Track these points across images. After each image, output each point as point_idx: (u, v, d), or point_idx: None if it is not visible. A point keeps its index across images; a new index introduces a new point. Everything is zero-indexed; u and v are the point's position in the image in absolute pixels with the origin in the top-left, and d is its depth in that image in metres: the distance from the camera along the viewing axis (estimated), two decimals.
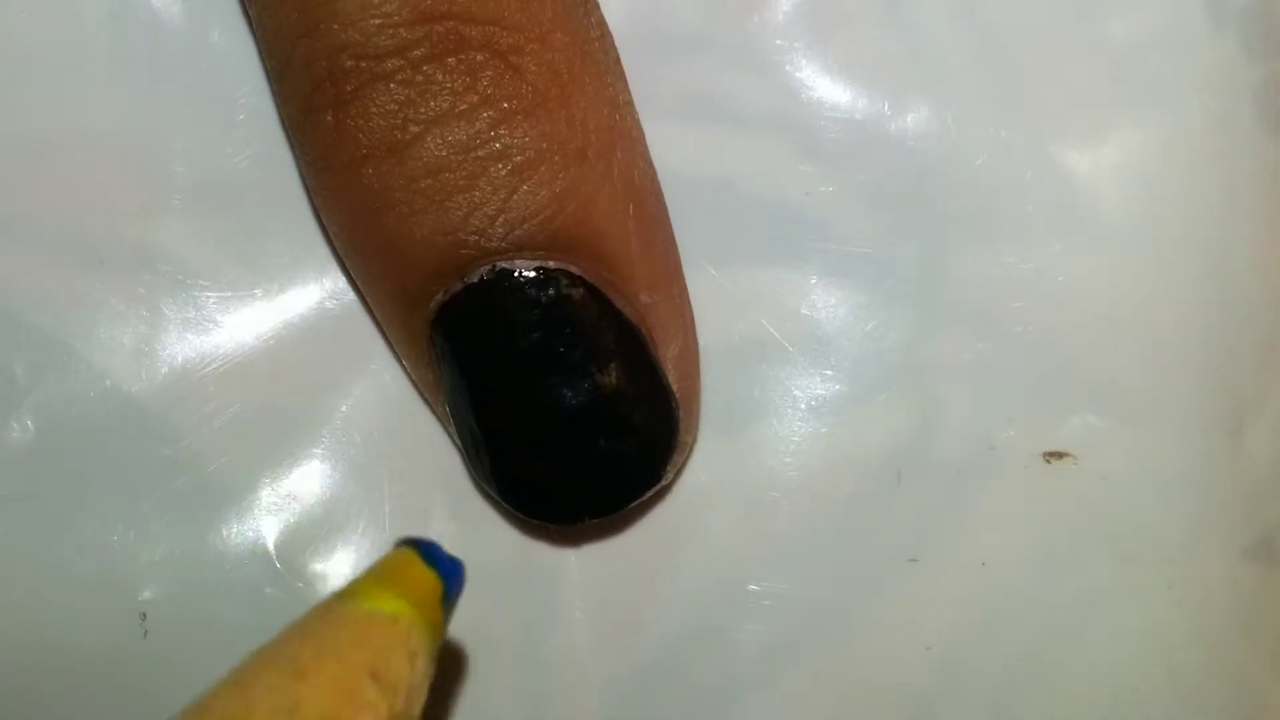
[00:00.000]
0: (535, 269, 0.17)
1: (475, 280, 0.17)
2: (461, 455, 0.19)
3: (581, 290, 0.17)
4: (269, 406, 0.20)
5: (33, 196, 0.20)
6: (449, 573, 0.14)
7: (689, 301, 0.20)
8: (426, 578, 0.14)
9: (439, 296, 0.17)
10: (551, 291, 0.17)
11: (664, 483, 0.19)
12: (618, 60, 0.19)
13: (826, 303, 0.21)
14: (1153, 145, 0.21)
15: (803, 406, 0.21)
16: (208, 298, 0.20)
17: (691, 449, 0.20)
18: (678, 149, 0.20)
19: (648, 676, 0.20)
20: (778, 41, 0.21)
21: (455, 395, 0.18)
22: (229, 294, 0.20)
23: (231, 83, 0.20)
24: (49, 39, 0.20)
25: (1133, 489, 0.20)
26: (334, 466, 0.20)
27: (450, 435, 0.20)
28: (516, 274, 0.17)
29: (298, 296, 0.20)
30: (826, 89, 0.21)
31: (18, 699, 0.20)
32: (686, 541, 0.20)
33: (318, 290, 0.20)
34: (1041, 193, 0.21)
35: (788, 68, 0.21)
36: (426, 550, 0.14)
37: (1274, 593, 0.21)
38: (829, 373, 0.21)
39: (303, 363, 0.20)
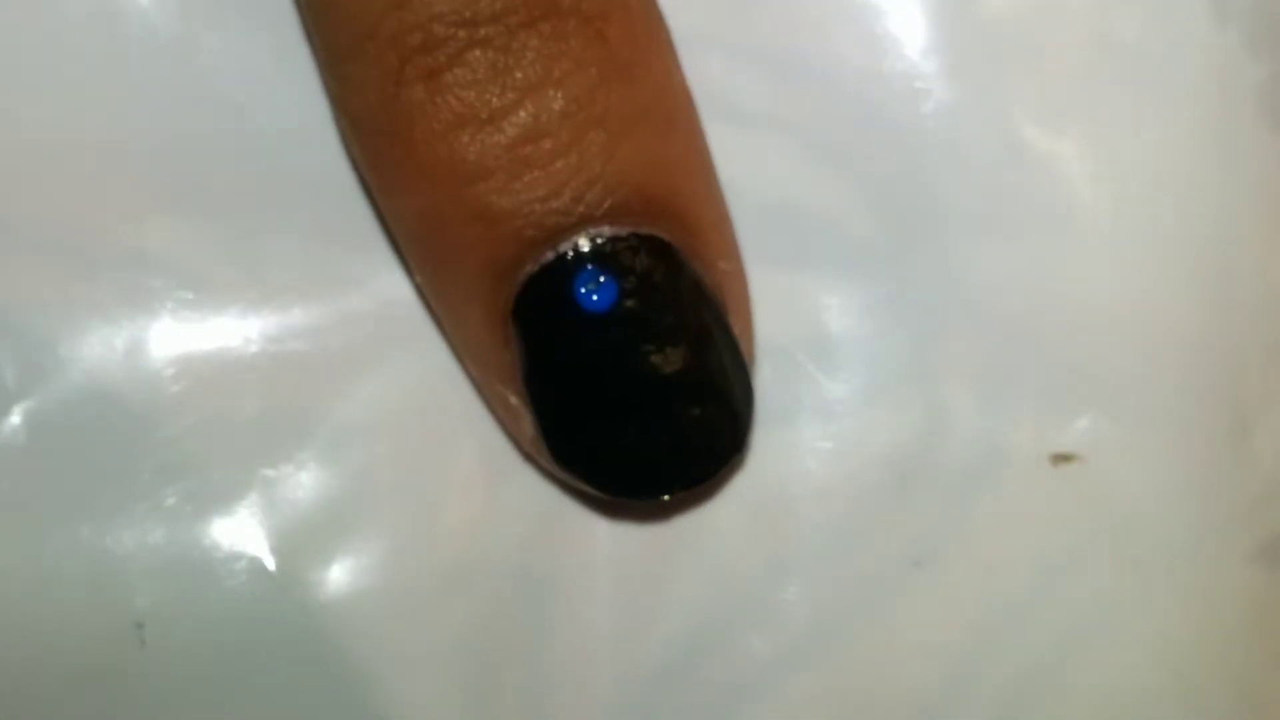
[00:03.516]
0: (628, 234, 0.17)
1: (568, 249, 0.17)
2: (529, 444, 0.19)
3: (672, 257, 0.17)
4: (265, 409, 0.20)
5: (24, 198, 0.20)
6: None
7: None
8: None
9: (529, 267, 0.17)
10: (644, 258, 0.17)
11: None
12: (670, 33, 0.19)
13: (830, 305, 0.21)
14: (1157, 144, 0.21)
15: (807, 410, 0.21)
16: (202, 300, 0.20)
17: None
18: None
19: (654, 680, 0.20)
20: (778, 41, 0.21)
21: (539, 372, 0.18)
22: (224, 296, 0.20)
23: (226, 83, 0.20)
24: (39, 40, 0.20)
25: (1140, 492, 0.20)
26: (332, 471, 0.20)
27: (503, 426, 0.20)
28: (610, 240, 0.17)
29: (292, 299, 0.20)
30: (827, 90, 0.21)
31: (14, 710, 0.19)
32: (694, 546, 0.20)
33: (313, 293, 0.20)
34: (1047, 193, 0.21)
35: (788, 68, 0.21)
36: None
37: None
38: (832, 375, 0.21)
39: (299, 366, 0.20)
